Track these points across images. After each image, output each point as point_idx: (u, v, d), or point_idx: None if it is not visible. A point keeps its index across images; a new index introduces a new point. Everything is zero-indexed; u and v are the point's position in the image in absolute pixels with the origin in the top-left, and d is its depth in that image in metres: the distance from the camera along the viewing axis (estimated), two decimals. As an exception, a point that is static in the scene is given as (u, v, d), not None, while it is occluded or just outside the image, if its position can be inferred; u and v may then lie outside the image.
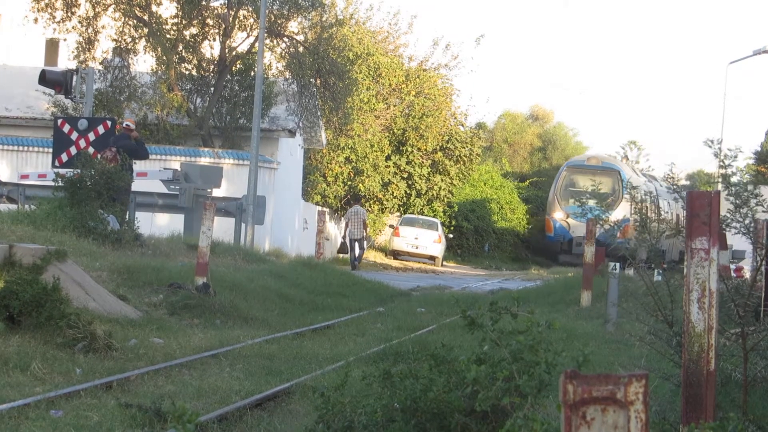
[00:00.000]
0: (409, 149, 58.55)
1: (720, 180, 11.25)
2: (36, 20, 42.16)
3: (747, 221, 10.01)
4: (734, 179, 10.89)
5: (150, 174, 30.74)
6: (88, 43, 42.13)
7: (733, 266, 15.32)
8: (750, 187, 10.30)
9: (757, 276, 12.11)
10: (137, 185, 28.65)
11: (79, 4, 42.21)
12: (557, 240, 52.63)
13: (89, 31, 42.26)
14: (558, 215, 52.52)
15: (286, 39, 43.27)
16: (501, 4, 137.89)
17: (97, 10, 42.34)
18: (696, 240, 6.33)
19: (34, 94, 40.05)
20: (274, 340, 16.32)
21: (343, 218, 48.35)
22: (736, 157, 10.94)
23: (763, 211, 11.11)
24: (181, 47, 42.57)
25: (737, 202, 9.87)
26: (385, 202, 57.18)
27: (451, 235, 60.66)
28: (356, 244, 42.96)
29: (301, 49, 43.29)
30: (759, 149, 71.02)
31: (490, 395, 5.80)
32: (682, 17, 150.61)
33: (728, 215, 9.77)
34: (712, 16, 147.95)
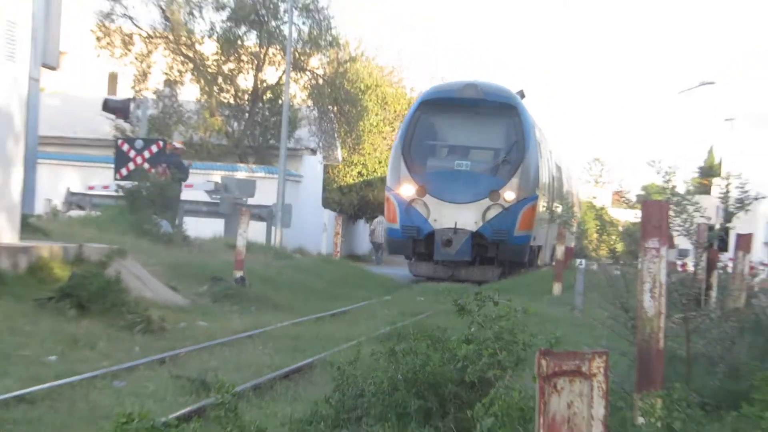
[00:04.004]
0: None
1: (667, 192, 11.25)
2: (98, 56, 42.33)
3: (688, 225, 10.05)
4: (678, 191, 10.95)
5: (195, 186, 30.73)
6: (142, 76, 42.23)
7: (679, 262, 15.27)
8: (689, 198, 10.35)
9: (698, 270, 12.17)
10: (185, 195, 28.68)
11: (135, 43, 42.30)
12: (406, 236, 24.13)
13: (143, 65, 42.37)
14: (406, 191, 24.06)
15: (308, 73, 43.27)
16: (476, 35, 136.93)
17: (149, 48, 42.48)
18: (649, 241, 6.34)
19: (98, 119, 39.95)
20: (299, 323, 16.30)
21: (370, 226, 48.77)
22: (674, 173, 10.98)
23: (701, 216, 11.14)
24: (220, 79, 42.57)
25: (678, 209, 9.89)
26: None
27: None
28: (380, 246, 43.17)
29: (320, 81, 43.36)
30: (702, 165, 70.83)
31: (477, 369, 5.83)
32: (644, 47, 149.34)
33: (674, 220, 9.81)
34: (667, 50, 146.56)
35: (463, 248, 22.51)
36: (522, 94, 26.02)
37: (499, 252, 23.30)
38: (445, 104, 25.03)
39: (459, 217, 22.82)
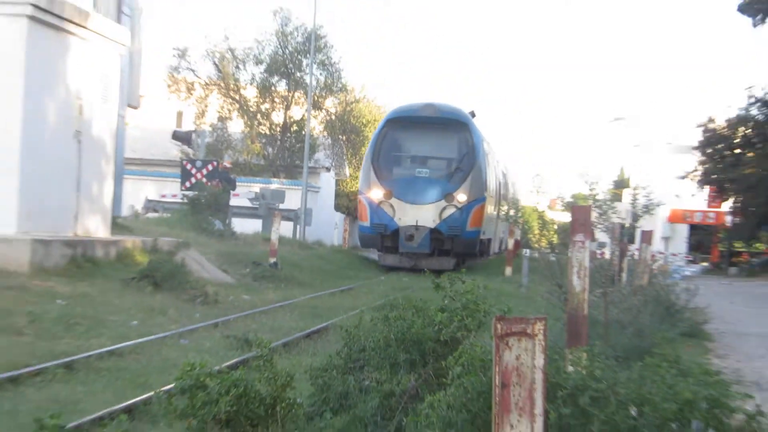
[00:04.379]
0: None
1: (591, 199, 11.32)
2: (169, 99, 42.46)
3: (606, 224, 10.11)
4: (598, 198, 11.06)
5: (240, 194, 30.72)
6: (201, 113, 42.42)
7: (599, 251, 15.36)
8: (607, 203, 10.44)
9: (613, 257, 12.20)
10: (233, 201, 28.68)
11: (195, 89, 42.43)
12: (375, 232, 22.84)
13: (202, 105, 42.53)
14: (376, 194, 22.62)
15: (324, 111, 43.36)
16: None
17: (206, 92, 42.66)
18: (576, 235, 6.33)
19: (168, 145, 40.05)
20: (317, 296, 16.30)
21: None
22: (597, 183, 11.07)
23: (616, 217, 11.20)
24: (258, 116, 42.65)
25: (599, 212, 9.94)
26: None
27: None
28: None
29: (333, 117, 43.46)
30: (616, 178, 71.01)
31: (449, 331, 5.83)
32: (576, 86, 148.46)
33: (595, 220, 9.87)
34: (594, 88, 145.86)
35: (423, 242, 21.60)
36: (473, 114, 24.78)
37: (453, 245, 22.13)
38: (407, 121, 23.73)
39: (419, 215, 21.77)
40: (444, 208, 21.69)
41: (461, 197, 21.84)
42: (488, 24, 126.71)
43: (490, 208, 24.02)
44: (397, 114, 24.38)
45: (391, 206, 22.02)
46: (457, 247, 21.92)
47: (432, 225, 21.64)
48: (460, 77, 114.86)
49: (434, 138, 23.24)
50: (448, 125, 23.16)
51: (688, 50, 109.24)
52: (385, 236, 22.32)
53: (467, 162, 22.71)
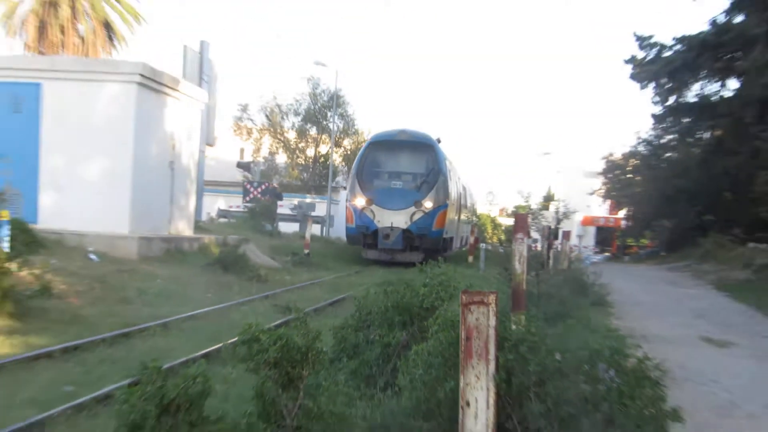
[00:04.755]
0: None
1: (527, 209, 11.24)
2: (234, 140, 42.48)
3: (538, 225, 10.06)
4: (533, 207, 11.02)
5: (284, 206, 30.71)
6: (257, 149, 42.34)
7: (533, 245, 15.30)
8: (539, 211, 10.40)
9: (543, 249, 12.15)
10: (279, 210, 28.67)
11: (253, 132, 42.45)
12: (359, 232, 20.47)
13: (257, 144, 42.50)
14: (359, 202, 20.45)
15: (342, 147, 43.23)
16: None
17: (260, 135, 42.60)
18: (517, 234, 6.33)
19: (234, 171, 39.91)
20: (337, 276, 16.26)
21: None
22: (531, 197, 11.00)
23: (545, 221, 11.15)
24: (296, 151, 42.62)
25: (533, 217, 9.90)
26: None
27: None
28: None
29: (348, 152, 43.35)
30: (545, 194, 70.85)
31: (429, 300, 5.80)
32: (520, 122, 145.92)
33: (530, 223, 9.82)
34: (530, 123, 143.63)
35: (397, 240, 19.98)
36: (439, 140, 22.54)
37: (422, 242, 20.32)
38: (385, 144, 21.68)
39: (394, 219, 20.07)
40: (414, 213, 20.29)
41: (428, 204, 20.45)
42: (458, 83, 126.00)
43: (451, 213, 22.51)
44: (377, 138, 22.53)
45: (372, 211, 20.23)
46: (425, 244, 20.32)
47: (404, 226, 20.20)
48: (442, 115, 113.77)
49: (406, 157, 21.53)
50: (418, 147, 21.46)
51: (598, 101, 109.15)
52: (367, 235, 20.40)
53: (432, 176, 21.02)
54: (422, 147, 21.52)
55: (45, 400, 5.30)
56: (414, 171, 21.31)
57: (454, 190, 23.56)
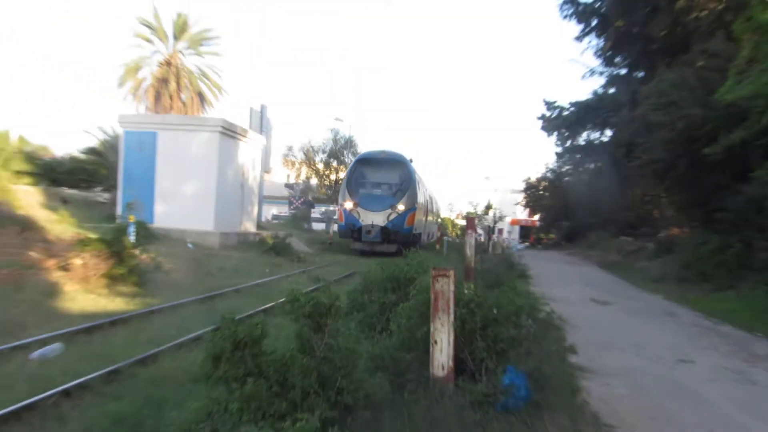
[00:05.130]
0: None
1: (474, 213, 11.13)
2: (282, 168, 42.07)
3: (482, 225, 9.99)
4: (479, 213, 10.99)
5: (316, 212, 30.56)
6: (297, 175, 41.69)
7: (479, 237, 14.95)
8: (483, 215, 10.34)
9: (485, 240, 12.09)
10: (313, 215, 28.50)
11: (295, 164, 42.06)
12: (348, 228, 17.22)
13: (299, 171, 41.88)
14: (348, 205, 17.39)
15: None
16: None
17: (300, 165, 41.88)
18: (468, 230, 6.29)
19: (283, 190, 39.54)
20: (350, 259, 15.93)
21: None
22: (477, 206, 10.92)
23: (486, 222, 11.09)
24: (324, 177, 41.19)
25: (478, 219, 9.83)
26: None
27: None
28: None
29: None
30: (486, 204, 70.28)
31: (410, 273, 5.76)
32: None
33: (477, 223, 9.76)
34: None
35: (377, 234, 17.72)
36: (411, 159, 20.55)
37: (396, 237, 18.01)
38: (369, 161, 19.37)
39: (375, 218, 17.84)
40: (390, 214, 18.28)
41: (401, 207, 18.48)
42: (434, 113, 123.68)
43: (420, 215, 20.56)
44: (363, 156, 20.30)
45: (358, 212, 17.97)
46: (398, 238, 18.12)
47: (383, 224, 18.10)
48: (421, 146, 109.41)
49: (385, 171, 19.39)
50: (394, 164, 19.45)
51: (521, 142, 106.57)
52: (354, 231, 18.00)
53: (405, 186, 19.00)
54: (397, 163, 19.73)
55: (157, 339, 5.37)
56: (390, 181, 19.41)
57: (422, 197, 21.81)
